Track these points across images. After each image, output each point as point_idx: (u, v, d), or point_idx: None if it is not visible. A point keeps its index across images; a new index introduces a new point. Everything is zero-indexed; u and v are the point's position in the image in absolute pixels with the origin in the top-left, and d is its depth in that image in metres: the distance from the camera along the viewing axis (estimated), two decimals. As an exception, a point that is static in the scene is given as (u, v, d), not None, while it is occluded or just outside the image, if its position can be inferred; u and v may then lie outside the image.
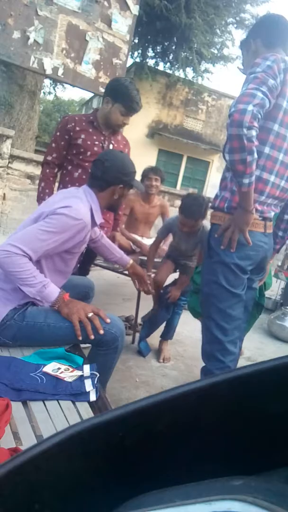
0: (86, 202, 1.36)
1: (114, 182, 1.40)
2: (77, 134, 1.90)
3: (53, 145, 1.96)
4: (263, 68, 1.19)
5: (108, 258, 1.79)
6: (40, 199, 1.96)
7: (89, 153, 1.90)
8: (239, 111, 1.12)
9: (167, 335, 2.39)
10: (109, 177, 1.39)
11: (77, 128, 1.90)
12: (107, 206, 1.47)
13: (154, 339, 2.42)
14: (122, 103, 1.85)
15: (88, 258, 2.11)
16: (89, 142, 1.91)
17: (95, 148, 1.91)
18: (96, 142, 1.92)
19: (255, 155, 1.17)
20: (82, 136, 1.90)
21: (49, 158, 1.96)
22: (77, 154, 1.91)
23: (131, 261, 1.78)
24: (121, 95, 1.84)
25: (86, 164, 1.89)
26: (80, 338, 1.25)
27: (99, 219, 1.41)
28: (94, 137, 1.92)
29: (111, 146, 1.97)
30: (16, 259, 1.17)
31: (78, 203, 1.30)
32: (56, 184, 2.04)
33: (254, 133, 1.14)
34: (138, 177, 1.99)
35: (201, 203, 1.99)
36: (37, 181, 4.54)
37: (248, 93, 1.15)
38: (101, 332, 1.25)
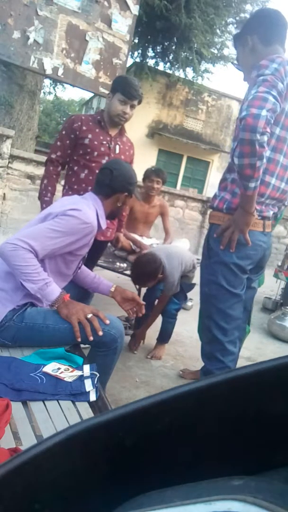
0: (93, 207, 1.39)
1: (120, 189, 1.45)
2: (84, 133, 1.88)
3: (58, 143, 1.94)
4: (272, 71, 1.17)
5: (86, 285, 1.61)
6: (42, 196, 1.94)
7: (96, 153, 1.88)
8: (253, 115, 1.10)
9: (162, 340, 2.38)
10: (116, 185, 1.43)
11: (84, 128, 1.89)
12: (110, 213, 1.51)
13: (152, 339, 2.42)
14: (120, 91, 1.85)
15: (91, 259, 2.11)
16: (96, 142, 1.89)
17: (102, 148, 1.90)
18: (104, 142, 1.91)
19: (264, 160, 1.17)
20: (89, 136, 1.88)
21: (53, 156, 1.94)
22: (83, 154, 1.89)
23: (113, 287, 1.56)
24: (119, 84, 1.86)
25: (93, 164, 1.88)
26: (79, 339, 1.25)
27: (104, 224, 1.44)
28: (101, 137, 1.91)
29: (117, 147, 1.96)
30: (22, 253, 1.17)
31: (86, 207, 1.34)
32: (61, 186, 2.03)
33: (266, 138, 1.12)
34: (139, 178, 1.99)
35: (144, 270, 2.01)
36: (37, 181, 4.55)
37: (260, 97, 1.12)
38: (100, 333, 1.25)
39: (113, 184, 1.43)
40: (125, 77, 1.87)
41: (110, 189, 1.44)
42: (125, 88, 1.84)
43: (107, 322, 1.29)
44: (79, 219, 1.27)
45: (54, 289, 1.26)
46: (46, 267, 1.32)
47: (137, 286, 2.46)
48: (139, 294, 2.44)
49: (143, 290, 2.48)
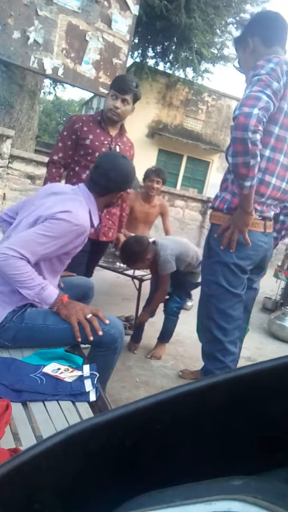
0: (85, 205, 1.35)
1: (116, 190, 1.41)
2: (85, 134, 1.88)
3: (60, 144, 1.93)
4: (267, 71, 1.18)
5: None
6: None
7: (97, 154, 1.87)
8: (245, 114, 1.11)
9: (163, 339, 2.38)
10: (112, 186, 1.39)
11: (85, 128, 1.88)
12: (104, 208, 1.49)
13: (152, 339, 2.42)
14: (113, 87, 1.88)
15: (93, 259, 2.11)
16: (97, 143, 1.89)
17: (103, 149, 1.89)
18: (105, 143, 1.91)
19: (258, 159, 1.17)
20: (90, 136, 1.88)
21: (55, 157, 1.92)
22: (84, 155, 1.89)
23: None
24: (113, 81, 1.90)
25: None
26: (79, 339, 1.25)
27: (96, 221, 1.41)
28: (102, 138, 1.91)
29: (117, 147, 1.96)
30: (13, 261, 1.16)
31: (78, 207, 1.29)
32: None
33: (258, 136, 1.13)
34: (139, 177, 1.99)
35: (131, 250, 2.06)
36: (38, 181, 4.54)
37: (253, 96, 1.14)
38: (100, 333, 1.25)
39: (109, 185, 1.38)
40: (120, 75, 1.90)
41: (106, 190, 1.39)
42: (116, 83, 1.87)
43: (107, 322, 1.28)
44: (70, 222, 1.23)
45: (52, 292, 1.25)
46: (42, 269, 1.31)
47: (136, 284, 2.46)
48: (139, 293, 2.44)
49: (143, 290, 2.48)
